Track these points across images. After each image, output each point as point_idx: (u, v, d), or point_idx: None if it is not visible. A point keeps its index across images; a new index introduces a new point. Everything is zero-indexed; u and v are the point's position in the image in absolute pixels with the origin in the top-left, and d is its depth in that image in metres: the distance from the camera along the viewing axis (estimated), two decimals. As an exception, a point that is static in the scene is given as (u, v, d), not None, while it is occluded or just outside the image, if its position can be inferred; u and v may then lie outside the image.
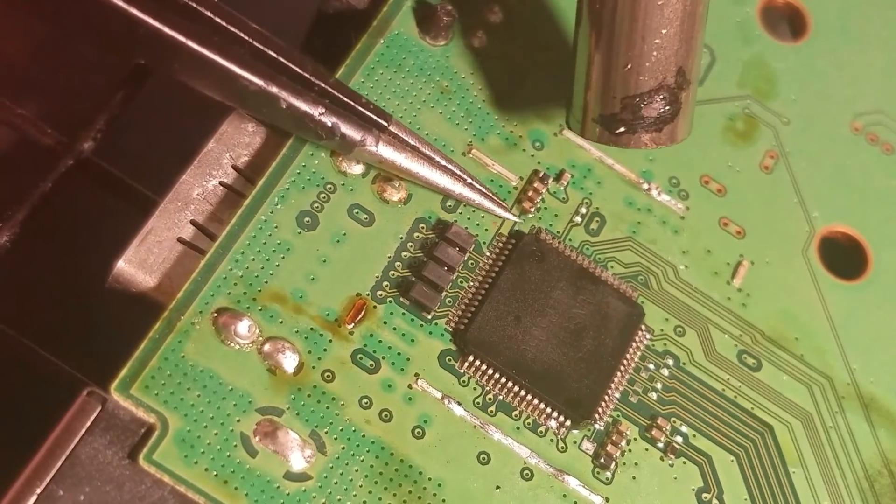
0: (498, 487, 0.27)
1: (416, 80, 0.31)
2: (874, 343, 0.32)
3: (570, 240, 0.30)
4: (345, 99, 0.26)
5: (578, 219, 0.31)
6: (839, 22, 0.36)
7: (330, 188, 0.29)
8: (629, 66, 0.27)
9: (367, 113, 0.26)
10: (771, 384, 0.30)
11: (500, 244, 0.30)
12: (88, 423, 0.25)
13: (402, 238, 0.29)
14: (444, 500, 0.27)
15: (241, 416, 0.26)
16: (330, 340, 0.27)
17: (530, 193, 0.30)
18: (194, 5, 0.24)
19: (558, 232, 0.30)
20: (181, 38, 0.24)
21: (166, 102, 0.34)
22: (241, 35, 0.25)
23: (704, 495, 0.29)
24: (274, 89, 0.25)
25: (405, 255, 0.29)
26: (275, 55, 0.25)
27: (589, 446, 0.28)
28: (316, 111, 0.25)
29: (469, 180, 0.28)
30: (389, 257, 0.29)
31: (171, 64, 0.25)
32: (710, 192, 0.32)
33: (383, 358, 0.28)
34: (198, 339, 0.26)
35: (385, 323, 0.28)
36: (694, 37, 0.27)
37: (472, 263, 0.29)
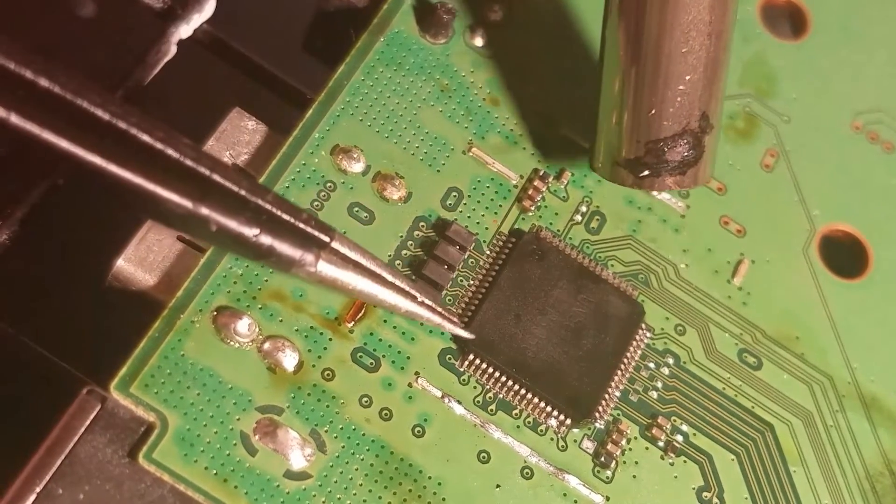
0: (498, 486, 0.27)
1: (416, 79, 0.31)
2: (875, 342, 0.32)
3: (570, 238, 0.30)
4: (284, 216, 0.23)
5: (579, 217, 0.31)
6: (840, 20, 0.36)
7: (330, 186, 0.29)
8: (653, 112, 0.27)
9: (308, 230, 0.23)
10: (771, 383, 0.30)
11: (501, 243, 0.30)
12: (88, 422, 0.25)
13: (402, 237, 0.29)
14: (444, 499, 0.27)
15: (241, 414, 0.26)
16: (330, 339, 0.27)
17: (530, 192, 0.30)
18: (114, 120, 0.21)
19: (558, 230, 0.30)
20: (97, 161, 0.20)
21: (166, 101, 0.34)
22: (170, 152, 0.21)
23: (705, 494, 0.29)
24: (204, 211, 0.22)
25: (405, 254, 0.29)
26: (207, 173, 0.22)
27: (589, 445, 0.28)
28: (251, 232, 0.22)
29: (418, 297, 0.26)
30: (389, 256, 0.29)
31: (88, 186, 0.22)
32: (711, 190, 0.32)
33: (383, 356, 0.28)
34: (197, 337, 0.26)
35: (385, 321, 0.28)
36: (717, 82, 0.27)
37: (472, 262, 0.29)
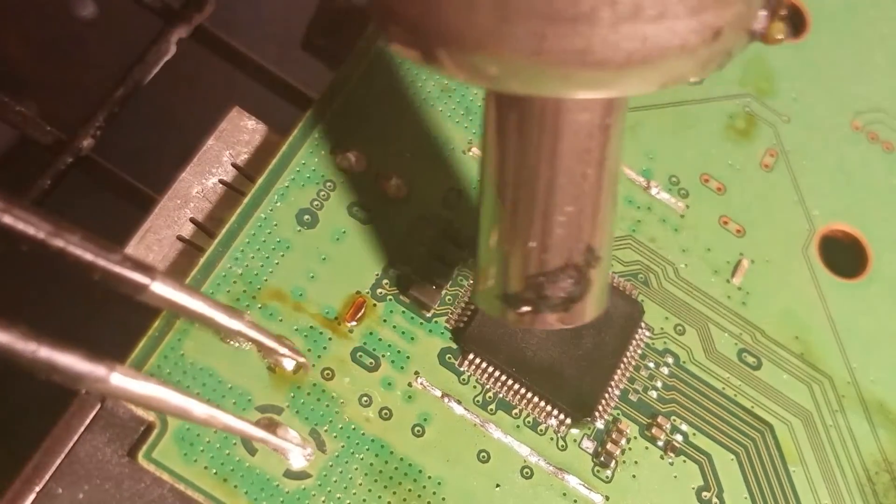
0: (498, 486, 0.27)
1: (417, 79, 0.31)
2: (874, 342, 0.32)
3: (570, 238, 0.30)
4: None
5: (578, 217, 0.31)
6: (839, 20, 0.36)
7: (330, 186, 0.29)
8: (532, 244, 0.24)
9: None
10: (771, 383, 0.30)
11: (500, 242, 0.30)
12: (87, 421, 0.25)
13: (401, 236, 0.29)
14: (443, 499, 0.27)
15: (241, 414, 0.26)
16: (330, 338, 0.27)
17: (530, 191, 0.30)
18: None
19: (558, 230, 0.30)
20: None
21: (166, 100, 0.34)
22: None
23: (704, 494, 0.29)
24: None
25: (405, 253, 0.29)
26: None
27: (589, 445, 0.28)
28: (27, 348, 0.19)
29: (222, 418, 0.24)
30: (389, 255, 0.29)
31: None
32: (710, 190, 0.32)
33: (383, 356, 0.28)
34: (197, 336, 0.26)
35: (385, 321, 0.28)
36: (603, 212, 0.24)
37: (472, 262, 0.29)
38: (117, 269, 0.21)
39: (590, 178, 0.23)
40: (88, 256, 0.20)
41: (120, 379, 0.21)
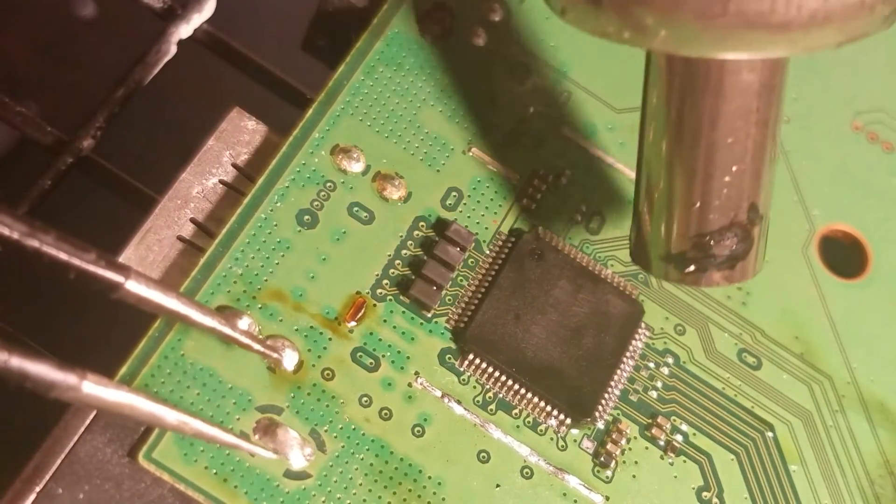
0: (498, 486, 0.27)
1: (416, 79, 0.31)
2: (874, 342, 0.32)
3: (569, 238, 0.30)
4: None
5: (579, 217, 0.31)
6: (839, 20, 0.36)
7: (330, 186, 0.29)
8: (698, 205, 0.25)
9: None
10: (771, 383, 0.30)
11: (500, 242, 0.30)
12: (87, 421, 0.25)
13: (402, 236, 0.29)
14: (443, 499, 0.27)
15: (241, 414, 0.26)
16: (330, 339, 0.27)
17: (530, 192, 0.30)
18: None
19: (558, 230, 0.30)
20: None
21: (166, 101, 0.34)
22: None
23: (704, 494, 0.29)
24: None
25: (405, 254, 0.29)
26: None
27: (589, 445, 0.28)
28: None
29: (190, 423, 0.24)
30: (389, 255, 0.29)
31: None
32: (711, 190, 0.32)
33: (383, 356, 0.28)
34: (197, 337, 0.26)
35: (385, 321, 0.28)
36: (765, 171, 0.25)
37: (471, 262, 0.29)
38: (91, 268, 0.21)
39: (754, 137, 0.24)
40: (63, 256, 0.21)
41: (91, 387, 0.21)
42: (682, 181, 0.25)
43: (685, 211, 0.25)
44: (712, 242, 0.25)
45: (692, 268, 0.26)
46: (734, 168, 0.24)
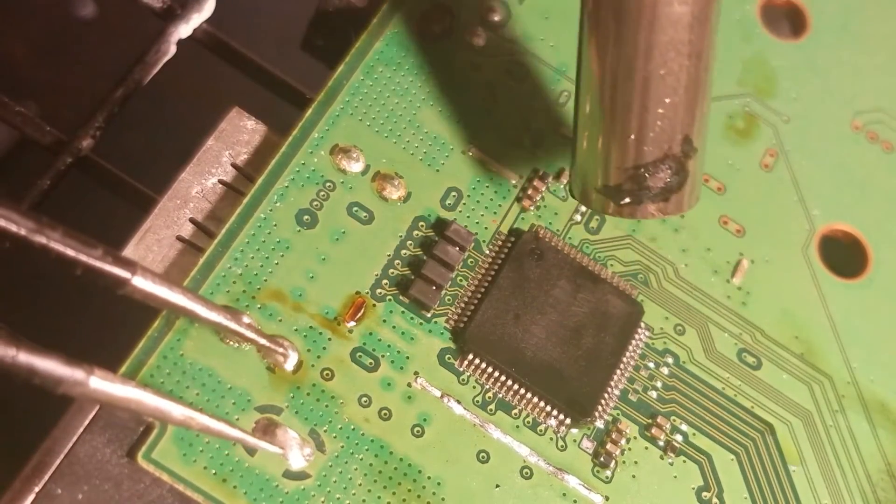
0: (497, 486, 0.27)
1: (416, 79, 0.31)
2: (874, 341, 0.32)
3: (569, 238, 0.30)
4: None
5: (578, 217, 0.31)
6: (839, 20, 0.36)
7: (329, 186, 0.29)
8: (632, 137, 0.25)
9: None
10: (771, 383, 0.30)
11: (500, 242, 0.30)
12: (87, 422, 0.25)
13: (401, 236, 0.29)
14: (443, 499, 0.27)
15: (240, 414, 0.26)
16: (329, 339, 0.27)
17: (530, 192, 0.30)
18: None
19: (558, 230, 0.30)
20: None
21: (166, 100, 0.34)
22: None
23: (704, 494, 0.29)
24: None
25: (405, 254, 0.29)
26: None
27: (589, 445, 0.28)
28: (7, 353, 0.20)
29: (196, 417, 0.24)
30: (389, 255, 0.29)
31: None
32: (710, 190, 0.32)
33: (383, 356, 0.28)
34: (197, 337, 0.26)
35: (384, 321, 0.28)
36: (700, 103, 0.26)
37: (471, 262, 0.29)
38: (99, 263, 0.21)
39: (687, 69, 0.25)
40: (70, 252, 0.21)
41: (99, 382, 0.21)
42: (616, 114, 0.25)
43: (620, 143, 0.26)
44: (647, 175, 0.26)
45: (627, 200, 0.26)
46: (667, 100, 0.25)
